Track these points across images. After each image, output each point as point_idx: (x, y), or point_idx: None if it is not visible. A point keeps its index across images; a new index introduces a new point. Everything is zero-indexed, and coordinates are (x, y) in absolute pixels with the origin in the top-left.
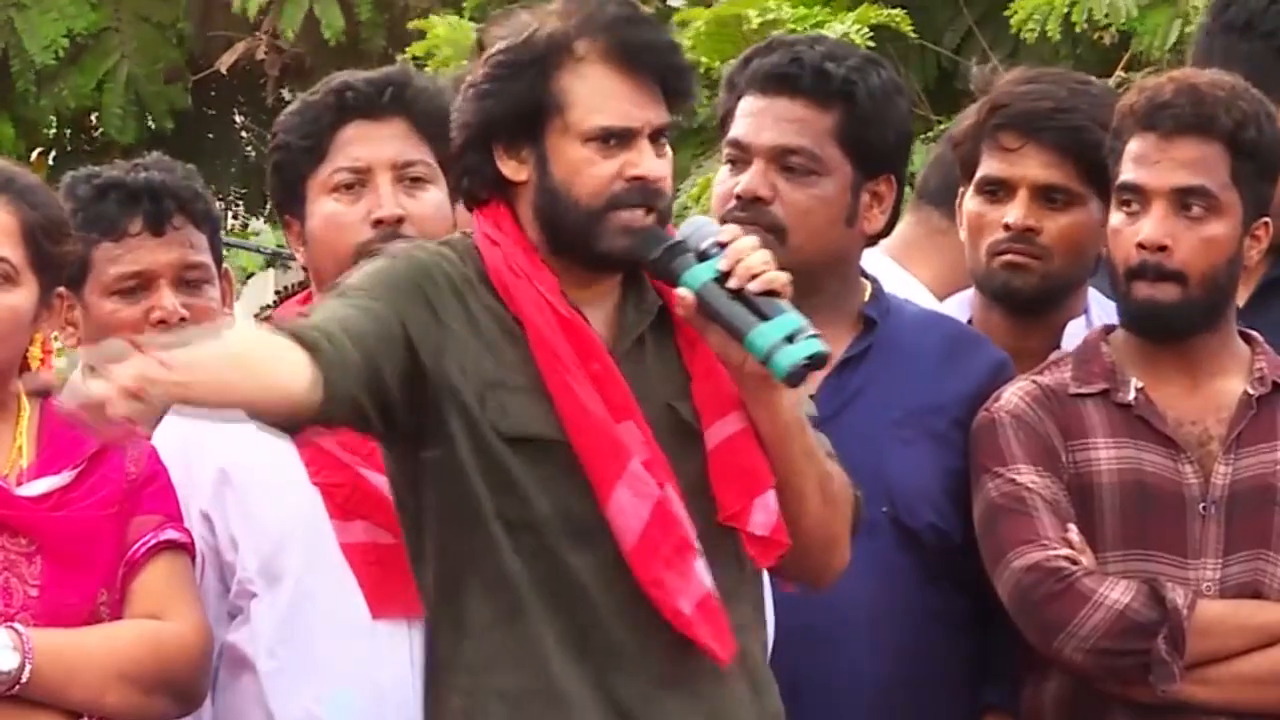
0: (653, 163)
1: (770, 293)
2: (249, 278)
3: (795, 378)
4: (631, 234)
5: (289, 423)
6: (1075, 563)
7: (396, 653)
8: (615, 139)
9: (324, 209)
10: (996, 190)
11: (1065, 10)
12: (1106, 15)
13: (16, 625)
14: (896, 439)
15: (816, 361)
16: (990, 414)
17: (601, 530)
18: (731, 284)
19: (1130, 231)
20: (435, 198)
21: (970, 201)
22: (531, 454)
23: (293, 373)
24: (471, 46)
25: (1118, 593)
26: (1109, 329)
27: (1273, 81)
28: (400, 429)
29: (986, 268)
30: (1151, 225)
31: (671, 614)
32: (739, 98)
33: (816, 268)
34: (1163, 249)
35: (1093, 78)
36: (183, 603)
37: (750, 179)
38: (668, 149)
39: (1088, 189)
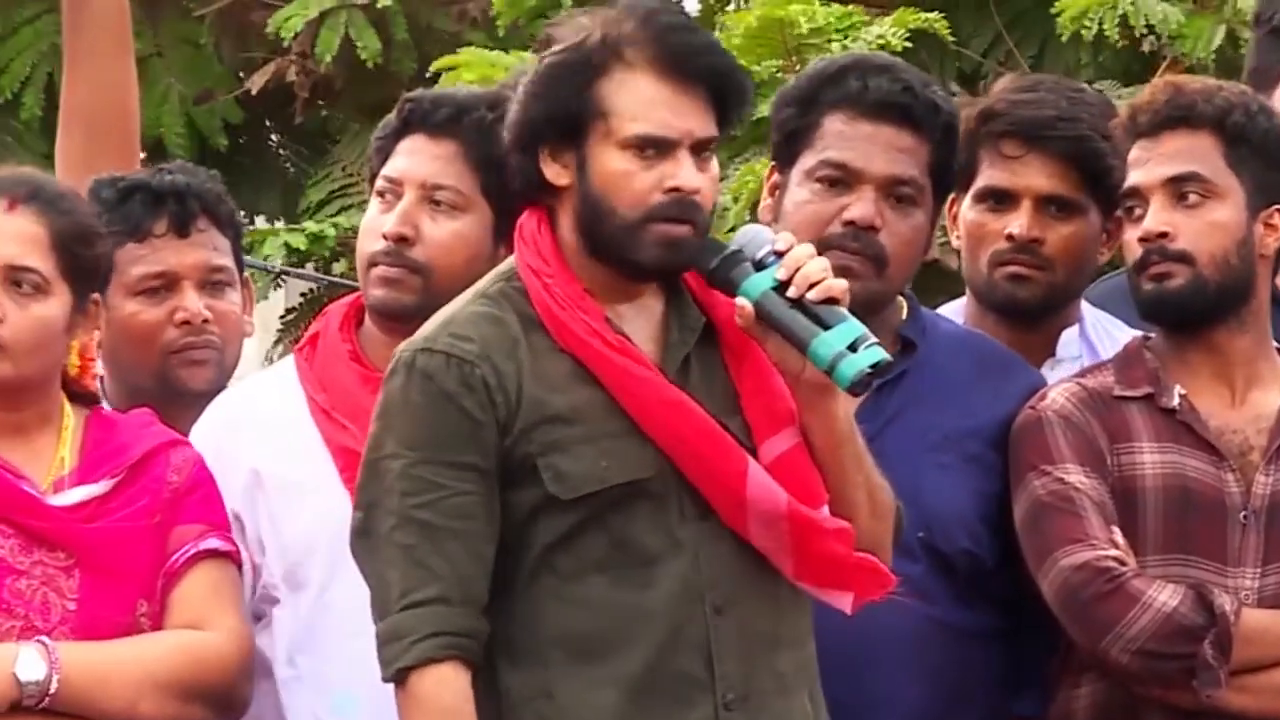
0: (691, 175)
1: (829, 300)
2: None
3: (860, 386)
4: (668, 246)
5: None
6: (1124, 563)
7: None
8: (654, 148)
9: (367, 213)
10: (998, 200)
11: (1120, 13)
12: (1149, 23)
13: (44, 639)
14: (933, 463)
15: (880, 371)
16: (1036, 412)
17: (670, 553)
18: (790, 293)
19: (1135, 232)
20: (458, 226)
21: (969, 211)
22: (593, 503)
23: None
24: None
25: (1166, 595)
26: (1147, 338)
27: (1274, 64)
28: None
29: (988, 278)
30: (1150, 217)
31: (839, 557)
32: (821, 115)
33: (893, 296)
34: (1163, 235)
35: (1085, 85)
36: (222, 612)
37: (866, 207)
38: (713, 163)
39: (1089, 199)
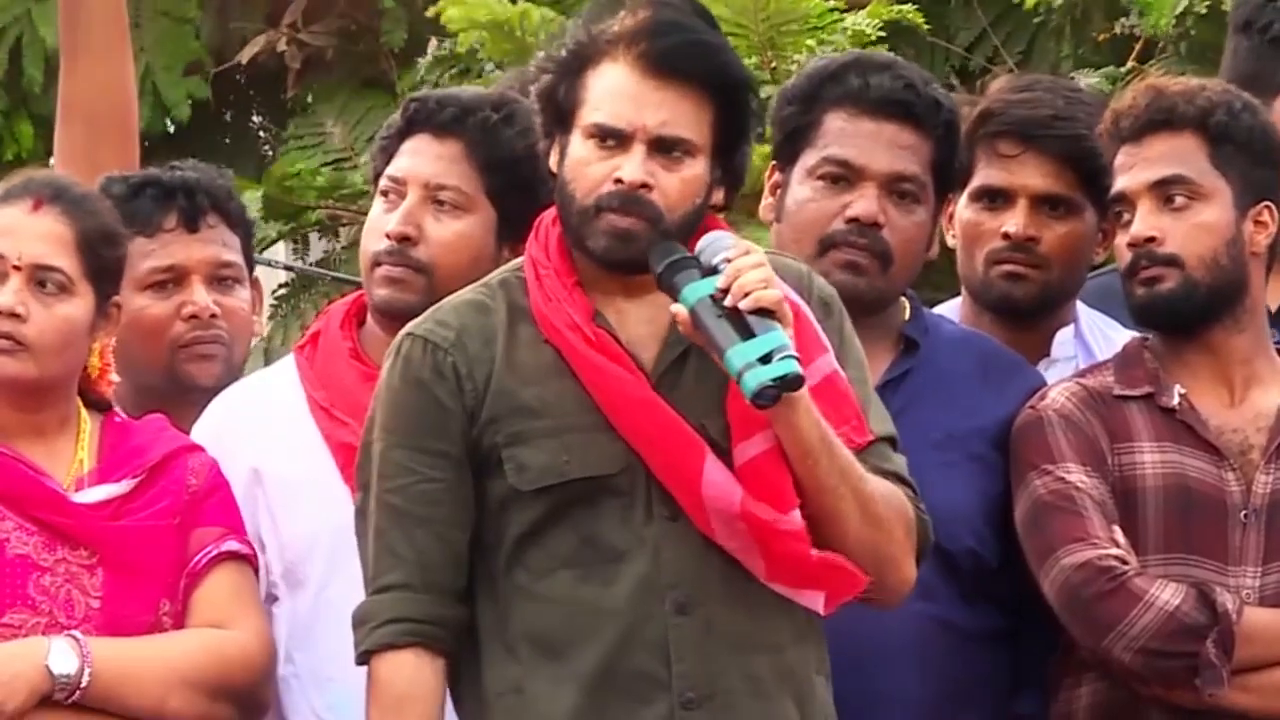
0: (635, 168)
1: (765, 311)
2: None
3: (763, 399)
4: (616, 237)
5: None
6: (1125, 562)
7: None
8: (611, 138)
9: (371, 212)
10: (994, 199)
11: None
12: None
13: (75, 633)
14: (937, 462)
15: (788, 384)
16: (1037, 412)
17: (634, 551)
18: (727, 301)
19: (1124, 238)
20: (461, 227)
21: (965, 210)
22: (554, 497)
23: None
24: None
25: (1168, 594)
26: (1146, 338)
27: (1269, 73)
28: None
29: (984, 277)
30: (1137, 222)
31: (800, 556)
32: (823, 112)
33: (898, 294)
34: (1151, 240)
35: (1082, 86)
36: (245, 612)
37: (868, 203)
38: (689, 165)
39: (1085, 198)
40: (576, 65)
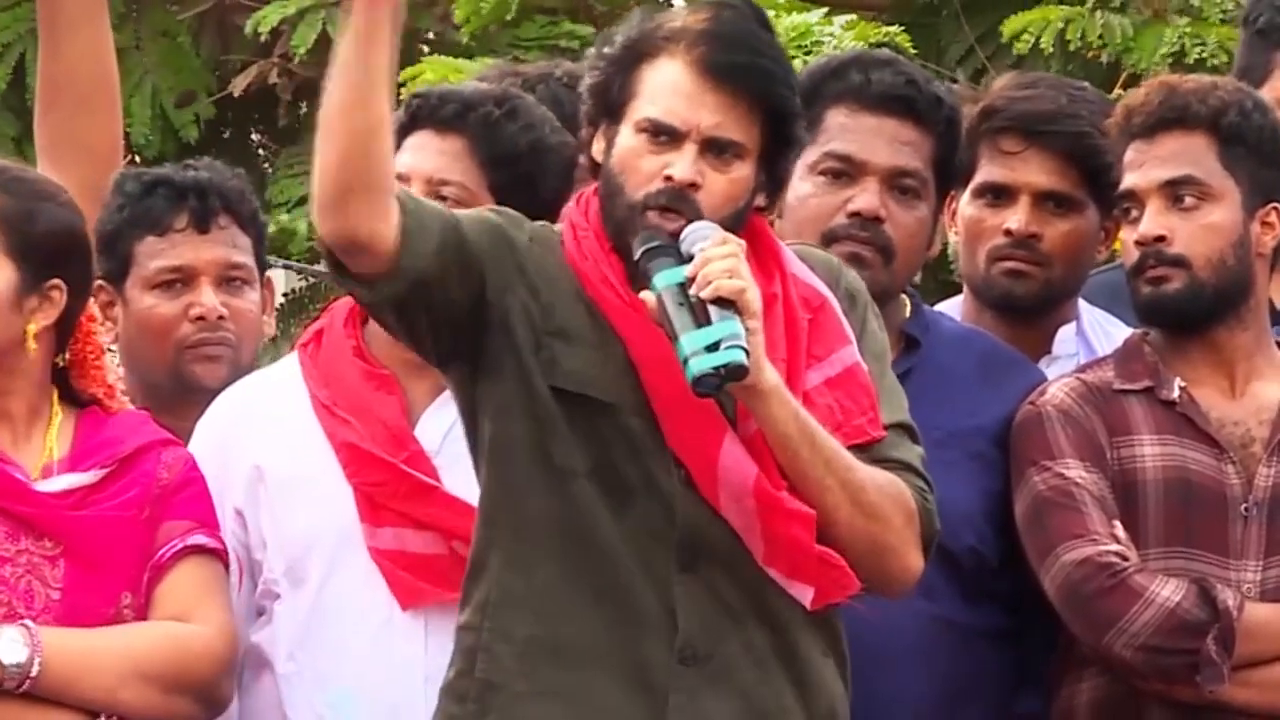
0: (685, 166)
1: (726, 301)
2: None
3: (704, 386)
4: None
5: (358, 254)
6: (1126, 559)
7: (412, 662)
8: (664, 135)
9: None
10: (996, 195)
11: (1060, 26)
12: (1101, 36)
13: (26, 622)
14: (938, 461)
15: (730, 373)
16: (1036, 408)
17: (645, 491)
18: (691, 290)
19: (1131, 234)
20: None
21: (967, 206)
22: (576, 408)
23: (390, 210)
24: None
25: (1169, 591)
26: (1147, 333)
27: (1258, 63)
28: (450, 352)
29: (986, 274)
30: (1146, 221)
31: (799, 543)
32: (824, 109)
33: (900, 289)
34: (1160, 239)
35: (1086, 84)
36: (209, 606)
37: (870, 198)
38: (738, 168)
39: (1087, 196)
40: (632, 59)
